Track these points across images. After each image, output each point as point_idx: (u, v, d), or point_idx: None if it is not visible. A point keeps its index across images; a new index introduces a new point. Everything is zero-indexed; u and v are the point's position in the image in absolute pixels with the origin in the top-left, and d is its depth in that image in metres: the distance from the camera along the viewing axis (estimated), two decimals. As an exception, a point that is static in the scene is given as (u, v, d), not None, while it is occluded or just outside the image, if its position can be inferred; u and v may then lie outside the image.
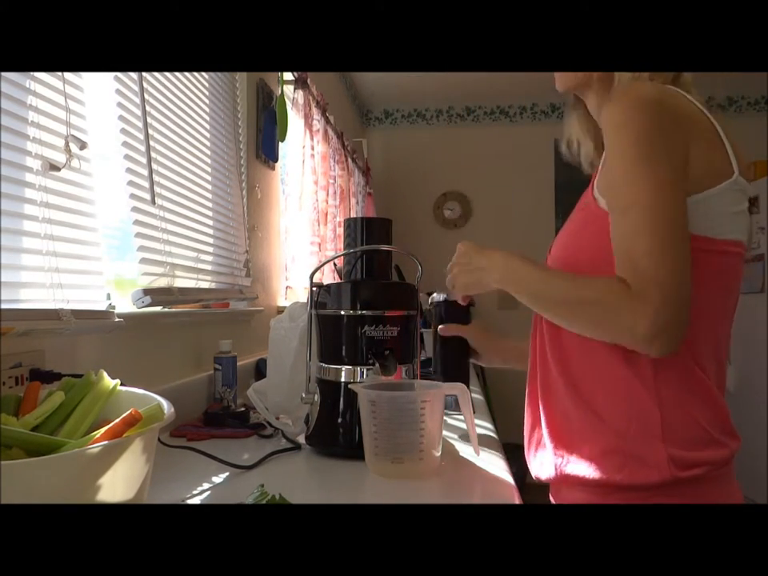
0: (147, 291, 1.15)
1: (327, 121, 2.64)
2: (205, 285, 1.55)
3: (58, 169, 0.91)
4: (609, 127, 0.72)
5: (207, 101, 1.63)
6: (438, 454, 0.91)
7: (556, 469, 0.79)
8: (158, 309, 1.27)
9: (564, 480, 0.79)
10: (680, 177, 0.69)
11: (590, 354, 0.77)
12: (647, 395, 0.72)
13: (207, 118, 1.62)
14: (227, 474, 0.89)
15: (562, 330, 0.81)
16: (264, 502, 0.57)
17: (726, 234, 0.74)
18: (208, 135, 1.61)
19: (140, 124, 1.20)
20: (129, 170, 1.16)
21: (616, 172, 0.71)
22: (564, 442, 0.79)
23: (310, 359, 1.03)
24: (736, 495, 0.78)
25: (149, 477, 0.59)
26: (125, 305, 1.17)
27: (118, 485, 0.54)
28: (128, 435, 0.54)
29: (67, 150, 0.94)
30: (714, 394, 0.74)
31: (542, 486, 0.89)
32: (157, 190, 1.23)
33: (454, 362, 1.13)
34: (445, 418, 1.03)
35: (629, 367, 0.73)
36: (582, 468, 0.75)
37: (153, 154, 1.23)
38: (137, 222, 1.19)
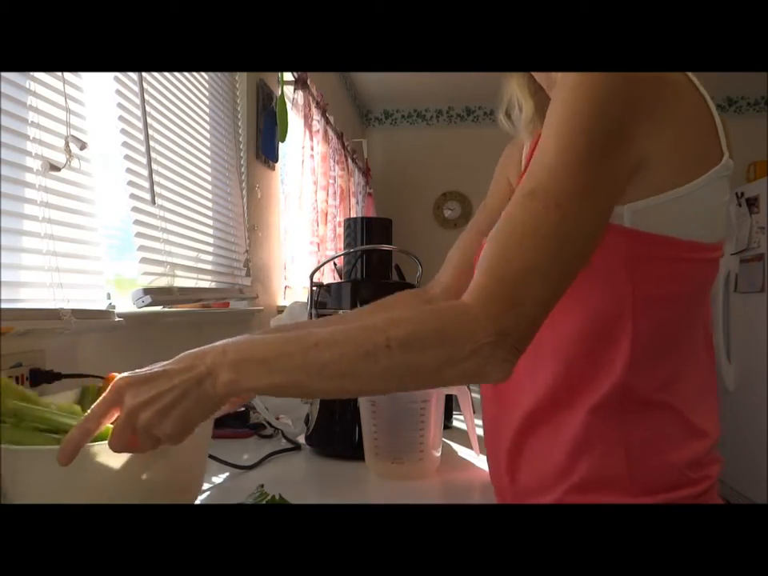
0: (147, 291, 1.15)
1: (327, 121, 2.64)
2: (205, 284, 1.55)
3: (58, 169, 0.91)
4: (563, 85, 0.57)
5: (207, 101, 1.63)
6: (438, 454, 0.91)
7: None
8: (158, 308, 1.27)
9: None
10: (618, 177, 0.56)
11: (551, 400, 0.64)
12: (613, 443, 0.61)
13: (207, 119, 1.62)
14: (227, 474, 0.89)
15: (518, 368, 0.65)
16: (264, 502, 0.57)
17: (713, 235, 0.61)
18: (208, 135, 1.61)
19: (140, 124, 1.20)
20: (129, 170, 1.16)
21: (547, 138, 0.56)
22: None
23: (309, 359, 1.03)
24: None
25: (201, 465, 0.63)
26: (125, 304, 1.17)
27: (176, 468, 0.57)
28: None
29: (67, 150, 0.94)
30: (694, 429, 0.63)
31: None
32: (157, 190, 1.23)
33: None
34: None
35: (592, 414, 0.61)
36: None
37: (153, 154, 1.23)
38: (137, 222, 1.19)
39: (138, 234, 1.19)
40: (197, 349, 0.54)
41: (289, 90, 2.22)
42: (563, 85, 0.57)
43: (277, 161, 2.17)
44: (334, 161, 2.80)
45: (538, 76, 0.74)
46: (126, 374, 0.53)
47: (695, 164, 0.58)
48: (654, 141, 0.56)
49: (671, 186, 0.57)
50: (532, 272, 0.52)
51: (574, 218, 0.53)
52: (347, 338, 0.52)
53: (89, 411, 0.52)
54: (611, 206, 0.56)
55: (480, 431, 1.09)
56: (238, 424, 1.17)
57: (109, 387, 0.52)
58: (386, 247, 1.05)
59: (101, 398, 0.52)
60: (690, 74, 0.60)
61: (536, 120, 0.77)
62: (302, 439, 1.04)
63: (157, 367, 0.53)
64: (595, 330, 0.61)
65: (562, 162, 0.54)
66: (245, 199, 1.87)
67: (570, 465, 0.63)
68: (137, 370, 0.53)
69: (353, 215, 3.22)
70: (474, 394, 1.42)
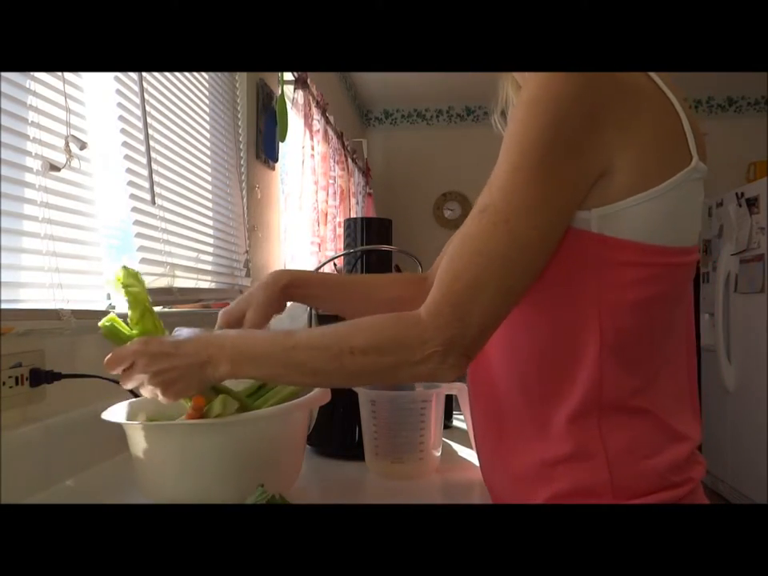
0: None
1: (327, 121, 2.64)
2: (205, 285, 1.55)
3: (58, 169, 0.91)
4: (522, 100, 0.57)
5: (207, 101, 1.63)
6: (438, 453, 0.91)
7: None
8: (158, 309, 1.27)
9: None
10: (575, 190, 0.56)
11: (528, 406, 0.64)
12: (594, 451, 0.61)
13: (207, 118, 1.62)
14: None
15: (493, 377, 0.68)
16: (264, 502, 0.57)
17: (685, 239, 0.61)
18: (208, 135, 1.61)
19: (140, 124, 1.20)
20: (129, 170, 1.16)
21: (502, 156, 0.58)
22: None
23: (309, 359, 1.03)
24: None
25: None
26: (125, 305, 1.16)
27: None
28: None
29: (67, 150, 0.94)
30: (675, 433, 0.63)
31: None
32: (157, 190, 1.23)
33: None
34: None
35: (570, 422, 0.61)
36: None
37: (153, 154, 1.23)
38: (137, 222, 1.19)
39: (138, 234, 1.19)
40: (200, 335, 0.65)
41: (289, 89, 2.22)
42: (519, 101, 0.58)
43: (277, 161, 2.17)
44: (334, 161, 2.80)
45: (518, 76, 0.74)
46: (143, 339, 0.64)
47: (662, 167, 0.57)
48: (618, 147, 0.56)
49: (637, 189, 0.57)
50: (478, 288, 0.56)
51: (522, 236, 0.56)
52: (320, 343, 0.61)
53: (110, 355, 0.63)
54: (566, 218, 0.57)
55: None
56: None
57: (129, 345, 0.64)
58: (385, 247, 1.05)
59: (120, 350, 0.63)
60: (654, 76, 0.59)
61: None
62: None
63: (169, 341, 0.64)
64: (565, 336, 0.61)
65: (512, 181, 0.56)
66: (245, 199, 1.87)
67: (551, 473, 0.63)
68: (151, 339, 0.65)
69: (353, 215, 3.22)
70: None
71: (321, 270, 1.33)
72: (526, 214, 0.55)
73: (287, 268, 2.25)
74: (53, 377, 0.84)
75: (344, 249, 1.09)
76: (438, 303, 0.57)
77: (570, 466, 0.62)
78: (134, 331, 0.69)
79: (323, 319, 1.02)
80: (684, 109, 0.60)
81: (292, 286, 0.83)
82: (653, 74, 0.59)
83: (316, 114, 2.46)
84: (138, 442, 0.67)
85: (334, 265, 1.86)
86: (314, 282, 0.87)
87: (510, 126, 0.58)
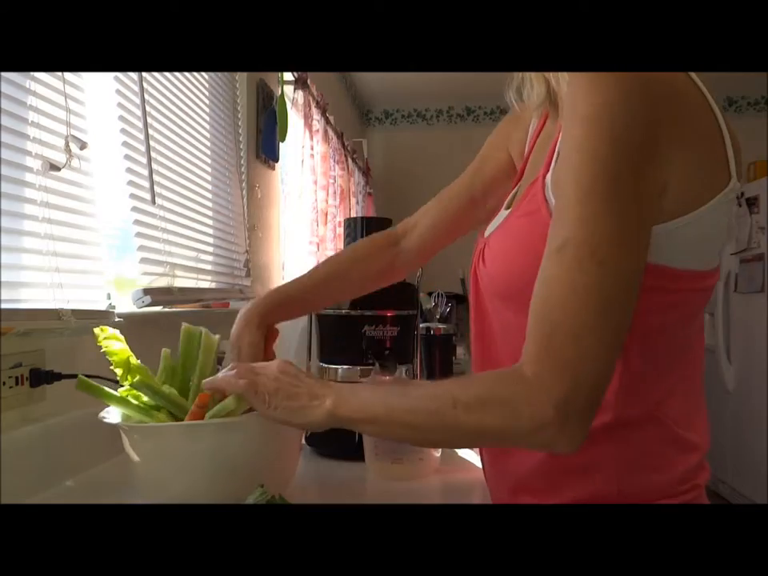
0: (147, 291, 1.15)
1: (327, 121, 2.64)
2: (205, 285, 1.55)
3: (58, 169, 0.91)
4: (575, 115, 0.52)
5: (207, 101, 1.63)
6: (438, 454, 0.91)
7: None
8: (158, 309, 1.27)
9: None
10: (650, 209, 0.52)
11: None
12: (604, 465, 0.60)
13: (207, 118, 1.62)
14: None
15: None
16: (264, 502, 0.57)
17: (711, 262, 0.58)
18: (208, 135, 1.61)
19: (140, 124, 1.20)
20: (129, 170, 1.16)
21: (567, 186, 0.52)
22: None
23: (309, 359, 1.03)
24: None
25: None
26: (125, 305, 1.17)
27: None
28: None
29: (67, 150, 0.94)
30: (686, 444, 0.62)
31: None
32: (157, 189, 1.23)
33: (439, 362, 1.15)
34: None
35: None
36: None
37: (153, 154, 1.23)
38: (137, 222, 1.19)
39: (138, 234, 1.19)
40: (318, 381, 0.63)
41: (289, 89, 2.22)
42: (574, 115, 0.53)
43: (277, 160, 2.17)
44: (334, 160, 2.80)
45: None
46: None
47: (704, 189, 0.54)
48: (672, 166, 0.52)
49: (678, 213, 0.53)
50: (581, 336, 0.49)
51: (614, 266, 0.49)
52: (426, 393, 0.56)
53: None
54: (648, 239, 0.52)
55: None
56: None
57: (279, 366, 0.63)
58: (386, 247, 1.05)
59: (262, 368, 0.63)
60: (705, 90, 0.55)
61: (546, 101, 0.68)
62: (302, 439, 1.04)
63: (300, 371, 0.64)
64: None
65: (589, 208, 0.50)
66: (245, 199, 1.87)
67: (558, 483, 0.63)
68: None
69: (353, 215, 3.22)
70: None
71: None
72: (614, 242, 0.49)
73: (285, 269, 2.25)
74: (53, 377, 0.84)
75: (344, 248, 1.09)
76: (542, 360, 0.50)
77: (578, 477, 0.62)
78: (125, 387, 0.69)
79: (324, 319, 1.02)
80: (725, 120, 0.56)
81: (275, 319, 0.79)
82: (696, 78, 0.55)
83: (316, 114, 2.46)
84: (134, 443, 0.67)
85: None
86: (294, 302, 0.83)
87: (571, 148, 0.52)
